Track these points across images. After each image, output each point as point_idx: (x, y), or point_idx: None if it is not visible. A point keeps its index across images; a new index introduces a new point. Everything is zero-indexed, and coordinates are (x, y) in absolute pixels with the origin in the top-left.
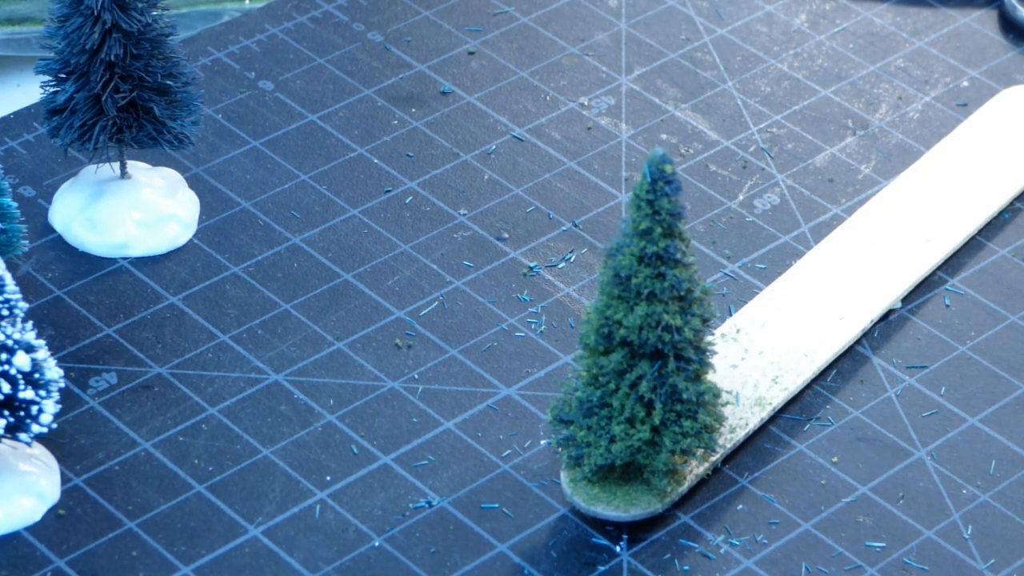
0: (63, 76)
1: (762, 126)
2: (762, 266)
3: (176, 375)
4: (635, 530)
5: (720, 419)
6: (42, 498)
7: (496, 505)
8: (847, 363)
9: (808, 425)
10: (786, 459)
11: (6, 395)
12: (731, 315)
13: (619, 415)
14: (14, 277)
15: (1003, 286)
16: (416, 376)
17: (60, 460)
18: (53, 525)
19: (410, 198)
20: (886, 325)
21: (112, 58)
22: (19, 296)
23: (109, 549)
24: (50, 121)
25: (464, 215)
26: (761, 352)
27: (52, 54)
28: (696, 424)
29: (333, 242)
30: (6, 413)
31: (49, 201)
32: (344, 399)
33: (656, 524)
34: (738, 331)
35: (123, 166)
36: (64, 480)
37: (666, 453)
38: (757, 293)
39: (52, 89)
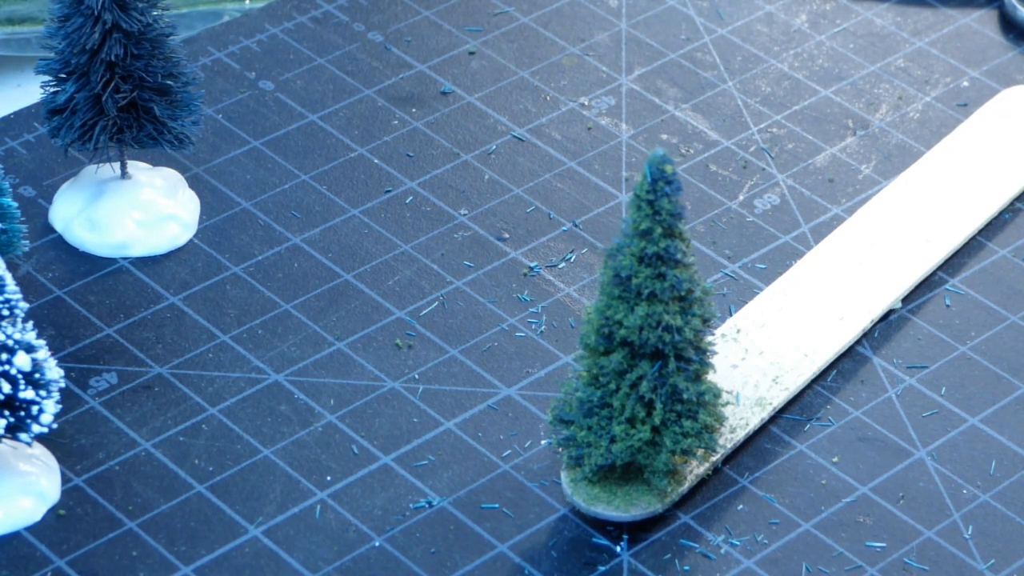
0: (63, 76)
1: (762, 126)
2: (762, 266)
3: (176, 375)
4: (635, 530)
5: (720, 419)
6: (42, 498)
7: (496, 505)
8: (847, 363)
9: (808, 425)
10: (786, 459)
11: (6, 395)
12: (731, 315)
13: (619, 415)
14: (14, 277)
15: (1003, 286)
16: (416, 376)
17: (60, 460)
18: (53, 525)
19: (410, 198)
20: (886, 325)
21: (112, 58)
22: (19, 296)
23: (109, 549)
24: (50, 121)
25: (464, 215)
26: (761, 352)
27: (52, 54)
28: (696, 424)
29: (333, 242)
30: (6, 413)
31: (49, 201)
32: (344, 399)
33: (656, 524)
34: (738, 331)
35: (123, 166)
36: (64, 480)
37: (666, 453)
38: (757, 293)
39: (52, 89)
